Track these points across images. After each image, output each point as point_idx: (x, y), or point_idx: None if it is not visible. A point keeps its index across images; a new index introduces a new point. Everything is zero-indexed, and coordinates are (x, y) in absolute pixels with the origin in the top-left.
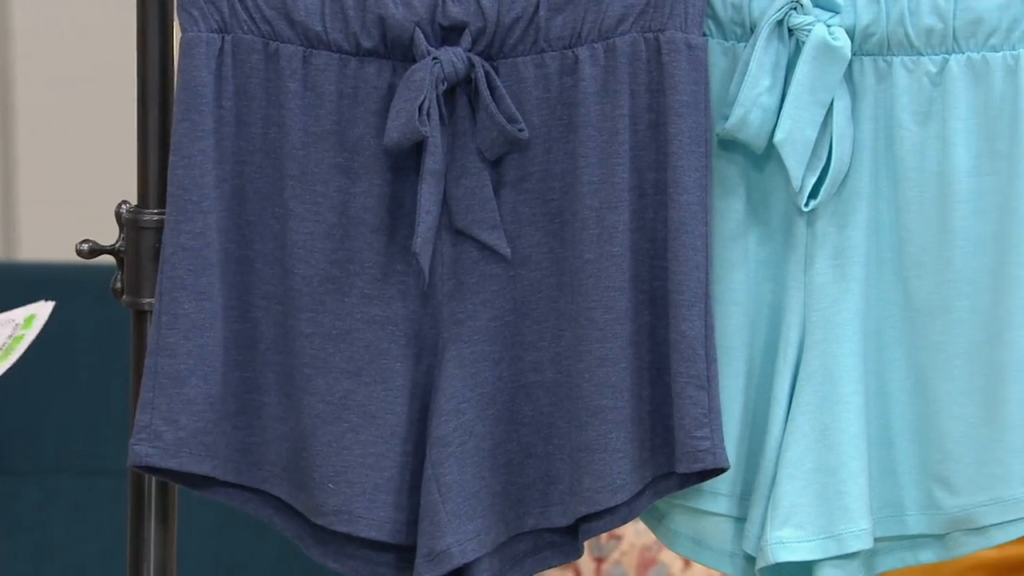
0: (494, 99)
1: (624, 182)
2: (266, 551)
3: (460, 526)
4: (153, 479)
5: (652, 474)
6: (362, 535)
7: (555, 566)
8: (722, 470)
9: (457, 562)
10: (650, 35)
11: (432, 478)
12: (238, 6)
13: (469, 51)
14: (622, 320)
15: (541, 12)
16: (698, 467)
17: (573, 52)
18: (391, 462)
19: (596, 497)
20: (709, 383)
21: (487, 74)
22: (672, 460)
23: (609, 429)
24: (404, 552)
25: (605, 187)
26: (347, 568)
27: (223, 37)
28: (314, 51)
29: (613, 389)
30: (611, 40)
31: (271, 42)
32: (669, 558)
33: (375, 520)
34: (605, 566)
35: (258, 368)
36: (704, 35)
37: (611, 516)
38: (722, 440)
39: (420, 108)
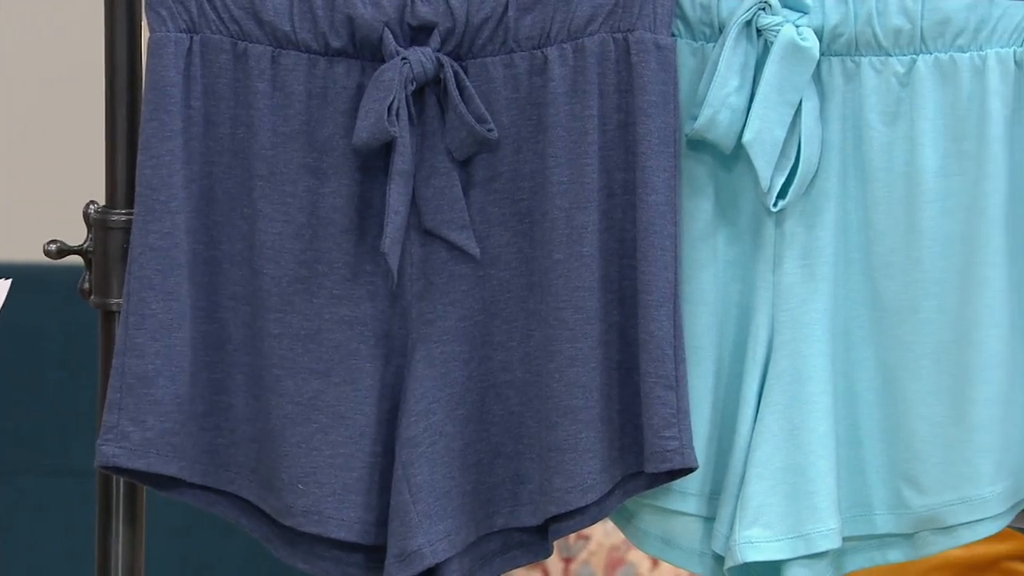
0: (463, 99)
1: (593, 182)
2: (234, 552)
3: (431, 526)
4: (121, 480)
5: (621, 474)
6: (332, 536)
7: (524, 565)
8: (690, 470)
9: (428, 562)
10: (619, 35)
11: (402, 479)
12: (206, 6)
13: (438, 51)
14: (591, 320)
15: (510, 12)
16: (666, 467)
17: (542, 52)
18: (360, 463)
19: (566, 497)
20: (678, 383)
21: (456, 74)
22: (641, 460)
23: (579, 429)
24: (374, 552)
25: (574, 187)
26: (316, 569)
27: (191, 37)
28: (283, 51)
29: (583, 389)
30: (580, 40)
31: (240, 42)
32: (637, 558)
33: (345, 521)
34: (573, 566)
35: (226, 369)
36: (673, 35)
37: (581, 516)
38: (691, 440)
39: (389, 108)
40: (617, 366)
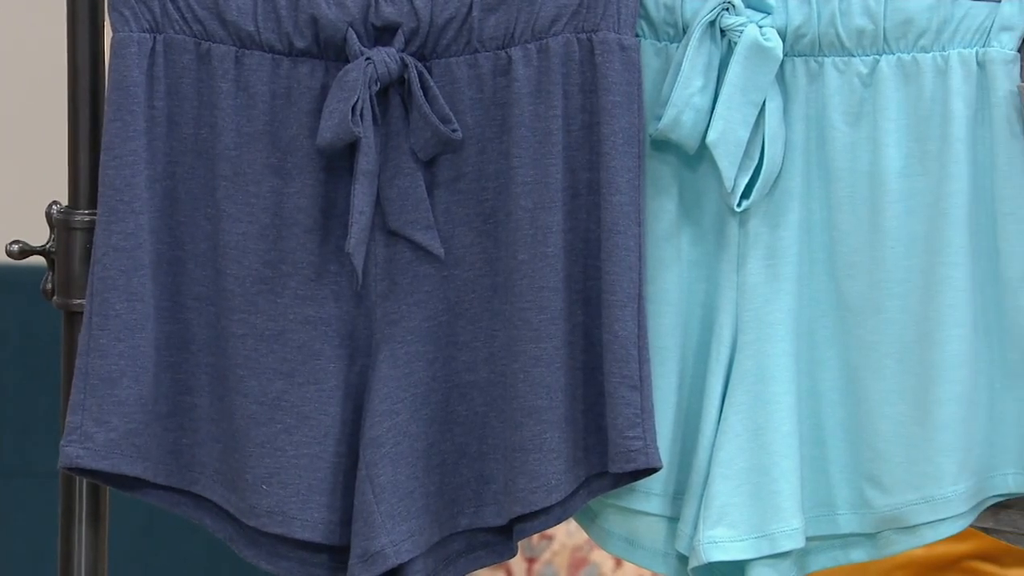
0: (427, 99)
1: (558, 182)
2: (197, 553)
3: (394, 527)
4: (83, 480)
5: (586, 474)
6: (296, 536)
7: (488, 566)
8: (654, 470)
9: (392, 563)
10: (583, 36)
11: (366, 479)
12: (169, 6)
13: (402, 51)
14: (556, 320)
15: (474, 13)
16: (631, 467)
17: (506, 52)
18: (325, 463)
19: (531, 497)
20: (642, 383)
21: (420, 74)
22: (605, 460)
23: (544, 429)
24: (338, 553)
25: (539, 187)
26: (280, 569)
27: (154, 37)
28: (246, 51)
29: (548, 389)
30: (544, 40)
31: (203, 42)
32: (600, 558)
33: (309, 521)
34: (537, 566)
35: (190, 369)
36: (637, 36)
37: (546, 516)
38: (655, 440)
39: (353, 108)
40: (581, 366)
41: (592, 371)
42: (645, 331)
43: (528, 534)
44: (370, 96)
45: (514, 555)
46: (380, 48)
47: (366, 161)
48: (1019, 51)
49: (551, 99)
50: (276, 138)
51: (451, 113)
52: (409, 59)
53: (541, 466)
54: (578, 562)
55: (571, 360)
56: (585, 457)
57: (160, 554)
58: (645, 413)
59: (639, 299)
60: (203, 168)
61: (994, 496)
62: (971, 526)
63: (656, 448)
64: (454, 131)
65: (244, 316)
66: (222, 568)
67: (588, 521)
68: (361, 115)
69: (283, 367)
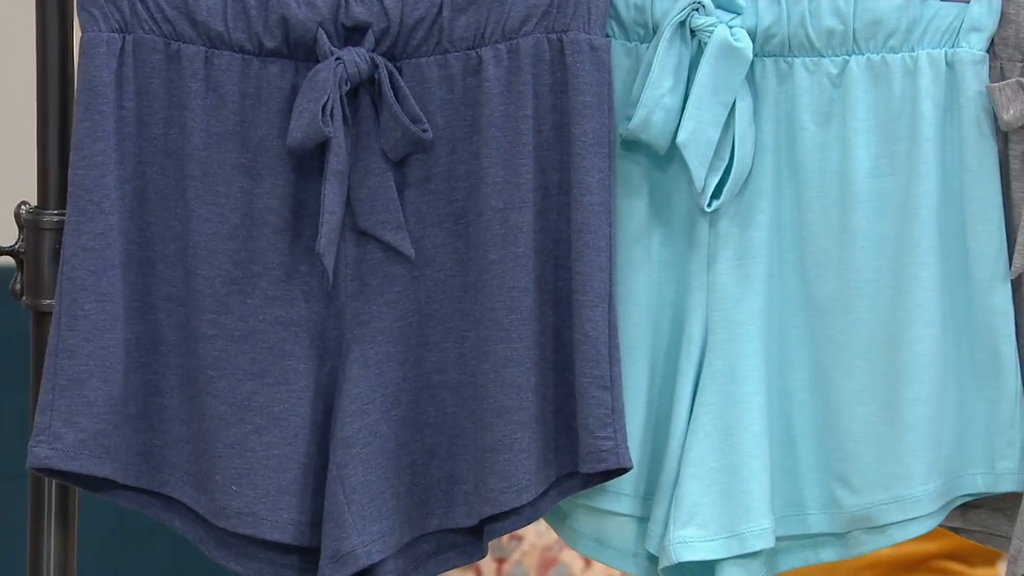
0: (398, 100)
1: (528, 183)
2: (166, 554)
3: (365, 527)
4: (53, 481)
5: (556, 474)
6: (266, 537)
7: (459, 566)
8: (625, 470)
9: (362, 563)
10: (553, 36)
11: (336, 479)
12: (139, 6)
13: (372, 51)
14: (527, 321)
15: (444, 13)
16: (601, 467)
17: (476, 53)
18: (295, 464)
19: (501, 498)
20: (612, 383)
21: (391, 75)
22: (576, 460)
23: (514, 429)
24: (308, 554)
25: (509, 188)
26: (250, 570)
27: (124, 37)
28: (216, 51)
29: (518, 389)
30: (514, 41)
31: (172, 42)
32: (570, 558)
33: (279, 522)
34: (506, 566)
35: (160, 370)
36: (607, 36)
37: (516, 516)
38: (625, 440)
39: (323, 108)
40: (552, 367)
41: (563, 371)
42: (616, 331)
43: (499, 534)
44: (340, 96)
45: (484, 555)
46: (350, 48)
47: (336, 161)
48: (988, 52)
49: (521, 99)
50: (246, 138)
51: (421, 113)
52: (379, 59)
53: (511, 466)
54: (548, 562)
55: (542, 360)
56: (556, 457)
57: (129, 555)
58: (616, 413)
59: (610, 299)
60: (173, 168)
61: (963, 496)
62: (940, 525)
63: (627, 448)
64: (424, 131)
65: (214, 316)
66: (191, 569)
67: (558, 521)
68: (331, 115)
69: (253, 368)
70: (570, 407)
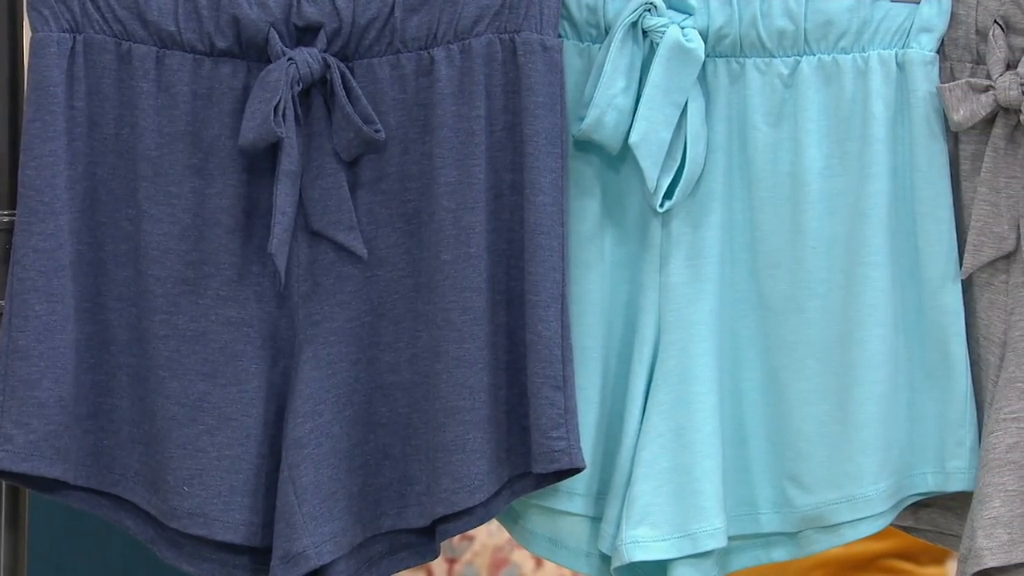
0: (350, 100)
1: (481, 183)
2: (117, 555)
3: (316, 528)
4: (3, 483)
5: (509, 474)
6: (217, 538)
7: (411, 567)
8: (578, 470)
9: (313, 564)
10: (505, 36)
11: (288, 480)
12: (89, 6)
13: (324, 52)
14: (479, 321)
15: (396, 13)
16: (554, 467)
17: (429, 53)
18: (247, 464)
19: (453, 498)
20: (565, 383)
21: (343, 75)
22: (529, 460)
23: (466, 430)
24: (260, 554)
25: (461, 188)
26: (202, 571)
27: (74, 37)
28: (167, 51)
29: (470, 390)
30: (467, 41)
31: (123, 42)
32: (521, 558)
33: (230, 523)
34: (457, 567)
35: (111, 371)
36: (560, 36)
37: (469, 517)
38: (578, 440)
39: (275, 109)
40: (505, 367)
41: (515, 372)
42: (568, 331)
43: (451, 535)
44: (292, 96)
45: (437, 556)
46: (302, 48)
47: (288, 161)
48: (938, 52)
49: (474, 100)
50: (197, 138)
51: (374, 114)
52: (331, 59)
53: (464, 467)
54: (499, 562)
55: (494, 361)
56: (508, 458)
57: (80, 556)
58: (568, 413)
59: (562, 299)
60: (124, 168)
61: (914, 495)
62: (892, 525)
63: (580, 448)
64: (377, 131)
65: (166, 317)
66: (142, 571)
67: (511, 521)
68: (283, 115)
69: (205, 368)
70: (523, 407)
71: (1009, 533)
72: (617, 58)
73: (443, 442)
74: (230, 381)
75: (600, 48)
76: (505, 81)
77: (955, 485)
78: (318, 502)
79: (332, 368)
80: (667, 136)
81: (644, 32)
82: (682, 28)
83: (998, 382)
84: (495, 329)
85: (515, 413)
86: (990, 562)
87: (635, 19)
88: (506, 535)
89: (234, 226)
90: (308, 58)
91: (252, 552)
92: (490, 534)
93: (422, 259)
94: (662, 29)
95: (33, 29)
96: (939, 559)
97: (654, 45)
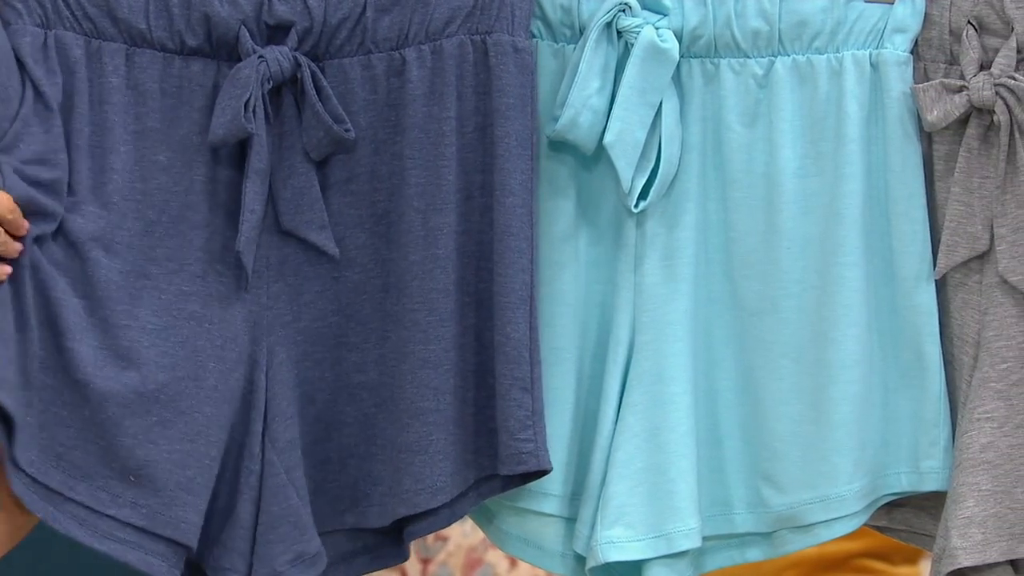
0: (320, 99)
1: (450, 184)
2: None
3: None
4: None
5: (475, 476)
6: (159, 532)
7: (380, 568)
8: (544, 472)
9: (323, 563)
10: (477, 37)
11: (288, 483)
12: (60, 3)
13: (295, 50)
14: (446, 322)
15: (368, 13)
16: (521, 469)
17: (400, 53)
18: (195, 461)
19: (415, 499)
20: (533, 385)
21: (313, 74)
22: (495, 462)
23: (430, 431)
24: (179, 547)
25: (431, 189)
26: (109, 549)
27: (46, 33)
28: (137, 49)
29: (435, 391)
30: (438, 42)
31: (93, 40)
32: (495, 558)
33: (171, 519)
34: (431, 567)
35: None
36: (533, 36)
37: (434, 517)
38: (545, 442)
39: (246, 105)
40: (473, 369)
41: (483, 373)
42: (537, 333)
43: (418, 535)
44: (263, 94)
45: (406, 559)
46: (273, 47)
47: (258, 159)
48: (912, 53)
49: (445, 101)
50: (166, 136)
51: (344, 113)
52: (302, 58)
53: (426, 468)
54: (473, 563)
55: (461, 362)
56: (475, 459)
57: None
58: (536, 415)
59: (531, 301)
60: (94, 163)
61: (888, 495)
62: (866, 524)
63: (546, 450)
64: (347, 131)
65: (127, 308)
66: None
67: (486, 522)
68: (254, 112)
69: (164, 360)
70: (490, 409)
71: (983, 532)
72: (592, 58)
73: (406, 442)
74: (188, 375)
75: (574, 49)
76: (476, 82)
77: (929, 485)
78: (312, 500)
79: (298, 367)
80: (642, 136)
81: (619, 32)
82: (656, 28)
83: (972, 382)
84: (463, 331)
85: (482, 415)
86: (964, 562)
87: (610, 20)
88: (480, 535)
89: (200, 223)
90: (279, 56)
91: (175, 545)
92: (464, 534)
93: (391, 260)
94: (637, 29)
95: (6, 24)
96: (912, 559)
97: (629, 45)
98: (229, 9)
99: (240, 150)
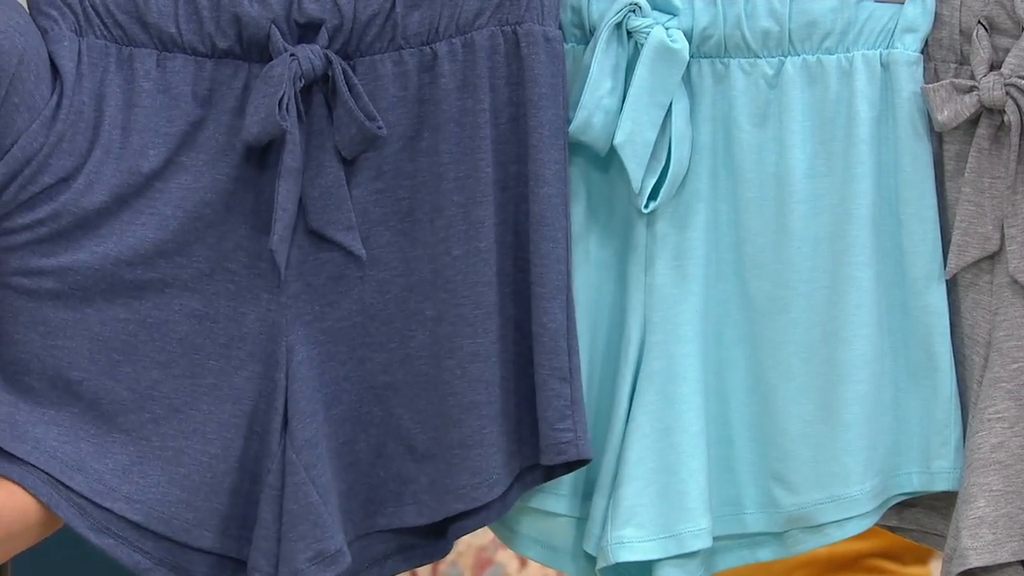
0: (352, 96)
1: (488, 176)
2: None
3: (340, 526)
4: None
5: (519, 467)
6: (152, 528)
7: (412, 568)
8: (586, 461)
9: (346, 562)
10: (508, 28)
11: (307, 481)
12: (91, 11)
13: (326, 48)
14: (491, 315)
15: (398, 9)
16: (561, 459)
17: (431, 48)
18: (189, 459)
19: (473, 493)
20: (571, 375)
21: (344, 71)
22: (537, 452)
23: (484, 424)
24: (175, 545)
25: (471, 183)
26: (105, 545)
27: (79, 40)
28: (168, 54)
29: (485, 384)
30: (469, 35)
31: (124, 47)
32: (505, 558)
33: (164, 515)
34: (442, 567)
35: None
36: (560, 28)
37: (486, 512)
38: (585, 431)
39: (279, 103)
40: (514, 359)
41: (524, 364)
42: (574, 322)
43: (467, 531)
44: (295, 92)
45: (447, 554)
46: (304, 45)
47: (291, 158)
48: (922, 53)
49: (478, 93)
50: (192, 137)
51: (375, 111)
52: (333, 56)
53: (483, 461)
54: (483, 562)
55: (505, 354)
56: (519, 450)
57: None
58: (575, 405)
59: (567, 291)
60: (120, 165)
61: (899, 495)
62: (877, 524)
63: (587, 439)
64: (379, 128)
65: (128, 300)
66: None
67: (496, 521)
68: (287, 109)
69: (160, 356)
70: (531, 400)
71: (994, 533)
72: (603, 59)
73: (460, 437)
74: (184, 373)
75: (585, 49)
76: (508, 73)
77: (940, 485)
78: (336, 500)
79: (322, 367)
80: (652, 137)
81: (629, 33)
82: (667, 29)
83: (983, 382)
84: (504, 322)
85: (524, 405)
86: (975, 562)
87: (619, 20)
88: (490, 535)
89: (214, 221)
90: (310, 54)
91: (168, 543)
92: (474, 534)
93: (415, 258)
94: (647, 30)
95: (43, 32)
96: (923, 559)
97: (639, 46)
98: (259, 8)
99: (264, 150)
